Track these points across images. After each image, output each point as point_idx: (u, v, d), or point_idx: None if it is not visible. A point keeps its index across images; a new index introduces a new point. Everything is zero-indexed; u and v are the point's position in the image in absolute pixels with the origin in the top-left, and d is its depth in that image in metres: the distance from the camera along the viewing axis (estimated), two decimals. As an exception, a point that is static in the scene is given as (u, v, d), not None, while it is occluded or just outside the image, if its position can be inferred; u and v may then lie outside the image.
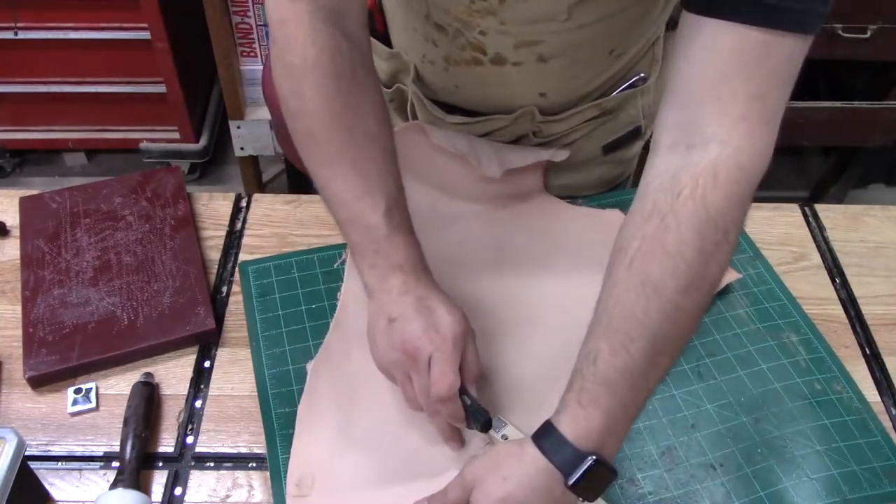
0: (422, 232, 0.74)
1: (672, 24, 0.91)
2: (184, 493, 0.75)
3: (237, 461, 0.78)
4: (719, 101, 0.60)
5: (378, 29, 0.94)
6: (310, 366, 0.82)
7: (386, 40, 0.95)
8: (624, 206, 0.98)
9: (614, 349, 0.61)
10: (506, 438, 0.74)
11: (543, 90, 0.88)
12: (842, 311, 0.93)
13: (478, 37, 0.82)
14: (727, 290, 0.91)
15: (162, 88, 1.97)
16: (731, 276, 0.91)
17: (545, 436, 0.63)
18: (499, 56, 0.83)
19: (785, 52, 0.59)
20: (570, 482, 0.61)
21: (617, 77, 0.90)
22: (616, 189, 1.07)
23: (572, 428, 0.62)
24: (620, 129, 0.98)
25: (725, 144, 0.60)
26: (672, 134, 0.63)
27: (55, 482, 0.75)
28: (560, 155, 0.96)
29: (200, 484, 0.76)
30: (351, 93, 0.70)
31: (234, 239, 0.98)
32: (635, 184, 1.15)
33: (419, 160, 0.95)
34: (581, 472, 0.61)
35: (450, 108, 0.94)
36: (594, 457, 0.61)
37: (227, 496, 0.75)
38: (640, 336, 0.60)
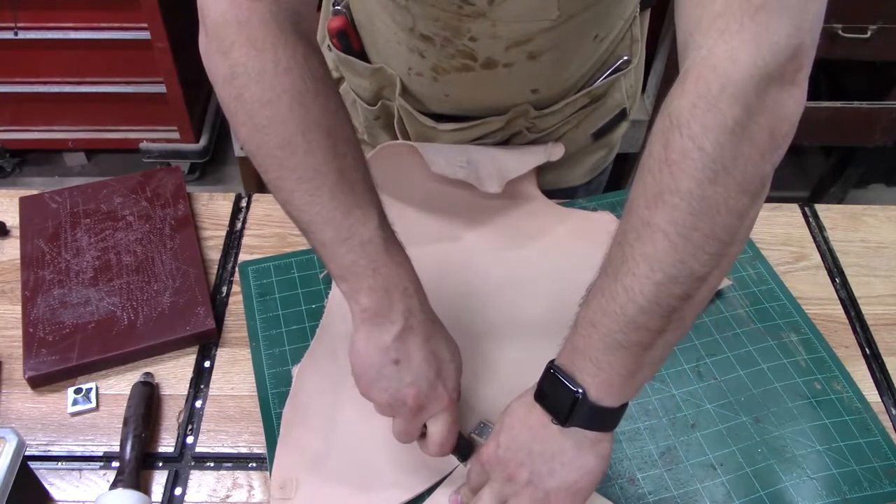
0: (414, 249, 0.70)
1: (646, 4, 0.92)
2: (184, 493, 0.75)
3: (237, 461, 0.78)
4: (701, 6, 0.55)
5: (354, 47, 0.92)
6: (295, 370, 0.82)
7: (363, 58, 0.92)
8: (618, 207, 0.99)
9: (598, 271, 0.61)
10: None
11: (535, 86, 0.88)
12: (842, 311, 0.93)
13: (468, 43, 0.81)
14: (727, 290, 0.91)
15: (162, 88, 1.97)
16: (723, 282, 0.91)
17: None
18: (490, 60, 0.82)
19: None
20: (536, 390, 0.64)
21: (601, 61, 0.91)
22: (604, 173, 1.09)
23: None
24: (608, 114, 0.98)
25: (700, 48, 0.55)
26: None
27: (55, 482, 0.75)
28: (557, 153, 0.96)
29: (200, 484, 0.76)
30: (328, 97, 0.64)
31: (234, 239, 0.98)
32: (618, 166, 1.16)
33: (411, 178, 0.94)
34: (543, 378, 0.63)
35: (440, 117, 0.92)
36: (556, 365, 0.62)
37: (227, 496, 0.75)
38: (615, 254, 0.58)
